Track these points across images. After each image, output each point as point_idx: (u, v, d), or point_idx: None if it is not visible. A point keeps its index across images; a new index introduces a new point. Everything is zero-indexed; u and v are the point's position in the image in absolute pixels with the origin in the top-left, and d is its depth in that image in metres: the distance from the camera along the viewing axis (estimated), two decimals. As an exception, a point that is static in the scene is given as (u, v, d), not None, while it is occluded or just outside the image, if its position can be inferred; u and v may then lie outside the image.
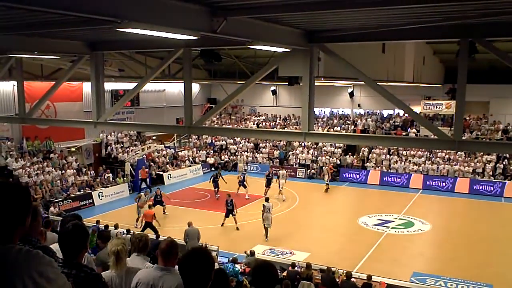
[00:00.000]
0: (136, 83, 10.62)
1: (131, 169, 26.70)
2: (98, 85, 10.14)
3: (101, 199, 24.01)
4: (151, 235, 15.24)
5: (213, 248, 13.82)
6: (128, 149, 29.04)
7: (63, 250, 3.24)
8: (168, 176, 28.76)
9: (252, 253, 13.64)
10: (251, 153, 33.72)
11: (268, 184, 24.66)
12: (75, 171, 24.51)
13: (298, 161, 31.83)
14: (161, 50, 13.62)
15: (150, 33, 5.32)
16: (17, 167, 22.19)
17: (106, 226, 15.49)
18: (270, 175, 25.20)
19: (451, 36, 7.15)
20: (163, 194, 21.36)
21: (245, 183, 24.61)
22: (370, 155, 30.72)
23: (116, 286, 4.36)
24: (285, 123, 35.02)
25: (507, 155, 27.15)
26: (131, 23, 4.66)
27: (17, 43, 8.71)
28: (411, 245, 18.30)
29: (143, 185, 25.62)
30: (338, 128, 32.39)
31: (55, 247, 3.39)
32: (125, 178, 26.07)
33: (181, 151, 32.62)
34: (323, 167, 28.82)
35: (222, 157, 33.59)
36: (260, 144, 34.19)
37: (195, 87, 34.24)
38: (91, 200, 23.49)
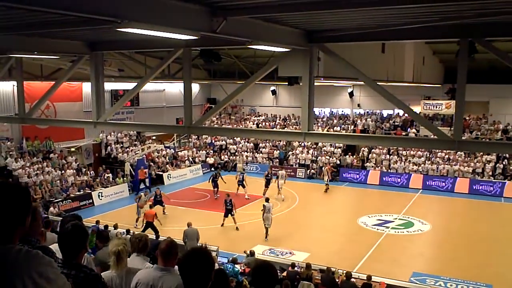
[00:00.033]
0: (136, 83, 10.62)
1: (131, 169, 26.70)
2: (98, 85, 10.14)
3: (101, 199, 24.01)
4: (151, 235, 15.23)
5: (213, 248, 13.81)
6: (128, 149, 29.04)
7: (63, 251, 3.24)
8: (168, 176, 28.76)
9: (252, 253, 13.64)
10: (251, 153, 33.72)
11: (267, 184, 24.66)
12: (74, 171, 24.51)
13: (298, 161, 31.83)
14: (160, 50, 13.63)
15: (150, 33, 5.33)
16: (17, 167, 22.19)
17: (106, 226, 15.48)
18: (269, 175, 25.20)
19: (450, 36, 7.15)
20: (163, 194, 21.35)
21: (244, 182, 24.63)
22: (370, 155, 30.72)
23: (117, 286, 4.36)
24: (285, 123, 35.02)
25: (507, 155, 27.15)
26: (131, 23, 4.66)
27: (17, 43, 8.70)
28: (411, 245, 18.30)
29: (142, 186, 25.58)
30: (338, 128, 32.39)
31: (54, 247, 3.39)
32: (124, 178, 26.07)
33: (181, 151, 32.61)
34: (323, 167, 28.83)
35: (222, 157, 33.59)
36: (260, 144, 34.19)
37: (195, 87, 34.23)
38: (90, 200, 23.49)
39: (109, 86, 25.75)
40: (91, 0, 4.30)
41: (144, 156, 28.30)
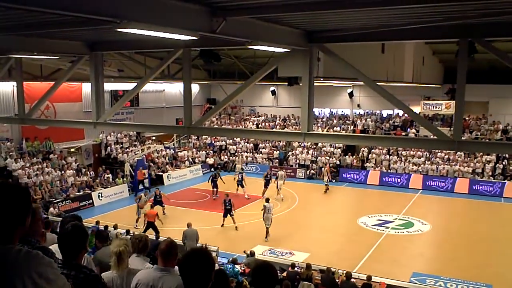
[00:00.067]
0: (136, 84, 10.61)
1: (131, 170, 26.69)
2: (98, 86, 10.14)
3: (101, 199, 24.00)
4: (151, 235, 15.22)
5: (213, 248, 13.81)
6: (127, 149, 29.03)
7: (63, 251, 3.24)
8: (167, 177, 28.75)
9: (252, 254, 13.64)
10: (251, 154, 33.71)
11: (266, 185, 24.66)
12: (74, 171, 24.50)
13: (297, 161, 31.83)
14: (160, 51, 13.62)
15: (150, 34, 5.32)
16: (17, 167, 22.18)
17: (106, 227, 15.48)
18: (268, 176, 25.19)
19: (450, 36, 7.15)
20: (162, 194, 21.32)
21: (243, 182, 24.66)
22: (370, 155, 30.72)
23: (117, 287, 4.35)
24: (285, 124, 35.02)
25: (507, 155, 27.15)
26: (130, 23, 4.65)
27: (17, 44, 8.70)
28: (411, 246, 18.30)
29: (140, 187, 25.53)
30: (338, 129, 32.39)
31: (54, 248, 3.38)
32: (124, 179, 26.06)
33: (180, 151, 32.61)
34: (323, 168, 28.82)
35: (222, 157, 33.59)
36: (260, 145, 34.18)
37: (195, 88, 34.23)
38: (90, 201, 23.48)
39: (108, 86, 25.75)
40: (91, 0, 4.29)
41: (144, 156, 28.30)
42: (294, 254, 16.43)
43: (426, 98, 30.83)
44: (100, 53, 10.02)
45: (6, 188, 1.97)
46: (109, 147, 28.49)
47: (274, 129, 31.10)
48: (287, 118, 35.58)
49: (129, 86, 22.20)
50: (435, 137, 7.70)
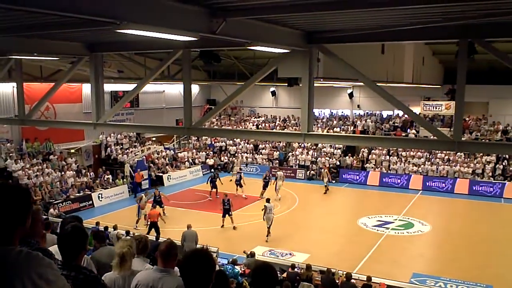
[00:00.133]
0: (136, 84, 10.61)
1: (131, 171, 26.68)
2: (98, 87, 10.15)
3: (101, 200, 23.99)
4: (151, 236, 15.21)
5: (213, 249, 13.81)
6: (127, 150, 29.02)
7: (62, 252, 3.24)
8: (167, 178, 28.75)
9: (252, 255, 13.63)
10: (251, 154, 33.70)
11: (265, 187, 24.65)
12: (74, 172, 24.49)
13: (297, 162, 31.82)
14: (160, 52, 13.62)
15: (149, 35, 5.32)
16: (17, 168, 22.18)
17: (106, 228, 15.48)
18: (267, 177, 25.18)
19: (450, 37, 7.16)
20: (162, 194, 21.25)
21: (241, 182, 24.70)
22: (370, 156, 30.71)
23: (119, 287, 4.36)
24: (285, 124, 35.01)
25: (507, 156, 27.14)
26: (130, 24, 4.65)
27: (17, 45, 8.70)
28: (411, 246, 18.29)
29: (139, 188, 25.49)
30: (338, 129, 32.38)
31: (54, 249, 3.38)
32: (124, 180, 26.05)
33: (180, 152, 32.62)
34: (322, 169, 28.80)
35: (222, 158, 33.59)
36: (260, 145, 34.17)
37: (195, 88, 34.23)
38: (90, 202, 23.47)
39: (108, 87, 25.74)
40: (90, 1, 4.29)
41: (144, 157, 28.30)
42: (294, 255, 16.42)
43: (426, 99, 30.84)
44: (100, 54, 10.03)
45: (7, 188, 1.98)
46: (109, 148, 28.49)
47: (274, 130, 31.12)
48: (287, 119, 35.58)
49: (129, 87, 22.19)
50: (435, 137, 7.71)
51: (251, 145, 34.30)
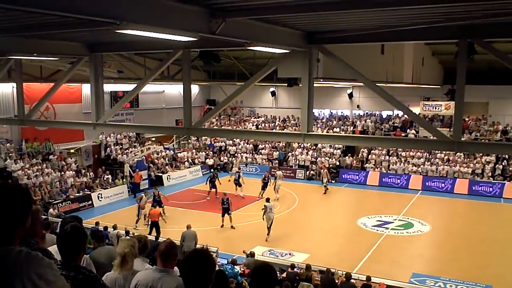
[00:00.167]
0: (135, 85, 10.61)
1: (130, 171, 26.67)
2: (97, 87, 10.14)
3: (100, 200, 23.99)
4: (150, 236, 15.21)
5: (213, 249, 13.81)
6: (127, 150, 29.02)
7: (62, 252, 3.24)
8: (167, 178, 28.74)
9: (252, 255, 13.63)
10: (250, 155, 33.70)
11: (264, 187, 24.65)
12: (74, 172, 24.49)
13: (297, 162, 31.82)
14: (160, 52, 13.63)
15: (149, 35, 5.32)
16: (16, 168, 22.17)
17: (106, 228, 15.49)
18: (266, 178, 25.16)
19: (450, 37, 7.16)
20: (161, 194, 21.21)
21: (240, 181, 24.71)
22: (369, 156, 30.71)
23: (120, 287, 4.36)
24: (284, 124, 35.01)
25: (506, 156, 27.15)
26: (129, 24, 4.65)
27: (16, 45, 8.70)
28: (411, 246, 18.29)
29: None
30: (337, 129, 32.38)
31: (54, 249, 3.38)
32: (124, 180, 26.04)
33: (180, 152, 32.62)
34: (321, 169, 28.78)
35: (222, 158, 33.59)
36: (259, 146, 34.17)
37: (194, 89, 34.23)
38: (90, 202, 23.47)
39: (108, 87, 25.75)
40: (90, 1, 4.29)
41: (144, 157, 28.29)
42: (293, 255, 16.42)
43: (426, 99, 30.84)
44: (99, 54, 10.03)
45: (6, 188, 1.98)
46: (108, 148, 28.48)
47: (274, 130, 31.12)
48: (286, 119, 35.58)
49: (128, 87, 22.19)
50: (434, 138, 7.71)
51: (251, 145, 34.30)
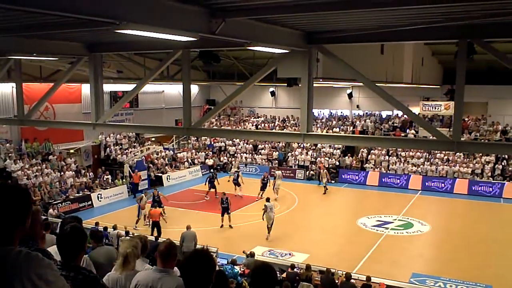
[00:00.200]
0: (135, 85, 10.61)
1: (130, 171, 26.67)
2: (97, 87, 10.14)
3: (100, 201, 23.98)
4: (150, 237, 15.20)
5: (213, 249, 13.81)
6: (127, 150, 29.01)
7: (61, 253, 3.24)
8: (167, 178, 28.74)
9: (252, 255, 13.63)
10: (250, 155, 33.69)
11: (263, 188, 24.65)
12: (74, 173, 24.48)
13: (297, 162, 31.81)
14: (159, 52, 13.63)
15: (149, 35, 5.31)
16: (16, 169, 22.16)
17: (106, 228, 15.48)
18: (266, 179, 25.16)
19: (450, 37, 7.16)
20: (161, 194, 21.18)
21: (239, 180, 24.73)
22: (369, 156, 30.71)
23: (121, 287, 4.35)
24: (284, 124, 35.02)
25: (506, 156, 27.17)
26: (129, 24, 4.64)
27: (16, 45, 8.69)
28: (411, 246, 18.30)
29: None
30: (337, 129, 32.37)
31: (53, 249, 3.38)
32: (124, 180, 26.03)
33: (180, 152, 32.61)
34: (321, 169, 28.77)
35: (221, 158, 33.59)
36: (259, 146, 34.17)
37: (194, 89, 34.22)
38: (90, 202, 23.46)
39: (108, 87, 25.75)
40: (90, 1, 4.29)
41: (143, 157, 28.28)
42: (293, 255, 16.43)
43: (425, 99, 30.84)
44: (99, 54, 10.03)
45: (6, 188, 1.98)
46: (108, 148, 28.47)
47: (273, 130, 31.12)
48: (286, 119, 35.58)
49: (128, 87, 22.18)
50: (434, 138, 7.70)
51: (251, 145, 34.30)
